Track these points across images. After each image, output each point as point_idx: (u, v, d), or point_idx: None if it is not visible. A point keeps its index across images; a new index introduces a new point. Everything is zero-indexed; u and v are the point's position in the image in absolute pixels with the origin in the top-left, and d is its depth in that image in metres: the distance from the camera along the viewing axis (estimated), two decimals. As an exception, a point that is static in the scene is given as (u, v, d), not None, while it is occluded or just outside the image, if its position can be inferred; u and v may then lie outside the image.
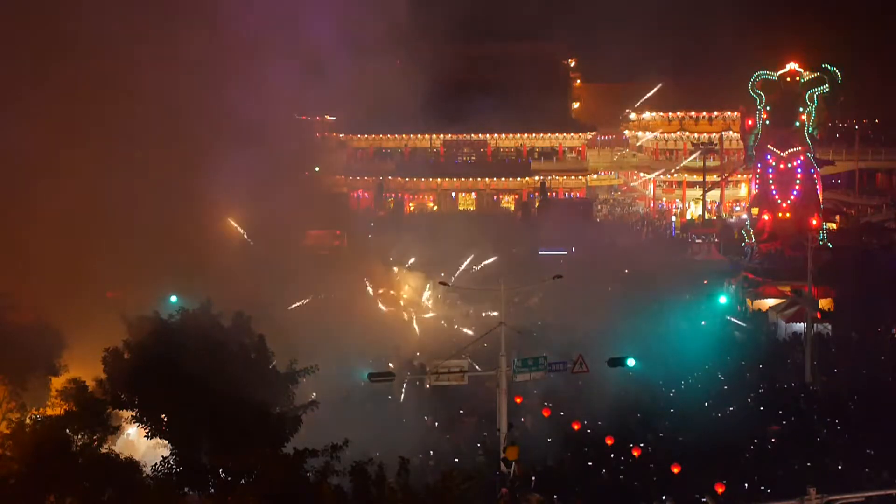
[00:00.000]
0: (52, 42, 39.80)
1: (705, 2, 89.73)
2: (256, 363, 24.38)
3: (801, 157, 64.18)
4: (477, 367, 29.58)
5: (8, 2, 40.17)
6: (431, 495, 19.33)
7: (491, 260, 49.52)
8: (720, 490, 27.81)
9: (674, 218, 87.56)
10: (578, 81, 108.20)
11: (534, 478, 28.59)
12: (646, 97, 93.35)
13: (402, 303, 55.16)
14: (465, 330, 48.14)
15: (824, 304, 47.94)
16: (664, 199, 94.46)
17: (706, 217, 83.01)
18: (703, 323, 48.93)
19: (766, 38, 76.34)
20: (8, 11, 39.00)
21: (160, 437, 23.53)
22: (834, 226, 73.54)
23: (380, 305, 53.07)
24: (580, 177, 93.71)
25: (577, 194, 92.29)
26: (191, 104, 42.89)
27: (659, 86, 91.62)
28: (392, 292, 56.26)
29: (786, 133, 64.31)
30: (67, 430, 22.66)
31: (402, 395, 37.02)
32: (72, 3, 40.12)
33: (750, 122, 66.66)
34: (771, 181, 64.38)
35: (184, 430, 22.88)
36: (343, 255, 60.66)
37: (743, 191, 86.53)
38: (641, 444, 31.93)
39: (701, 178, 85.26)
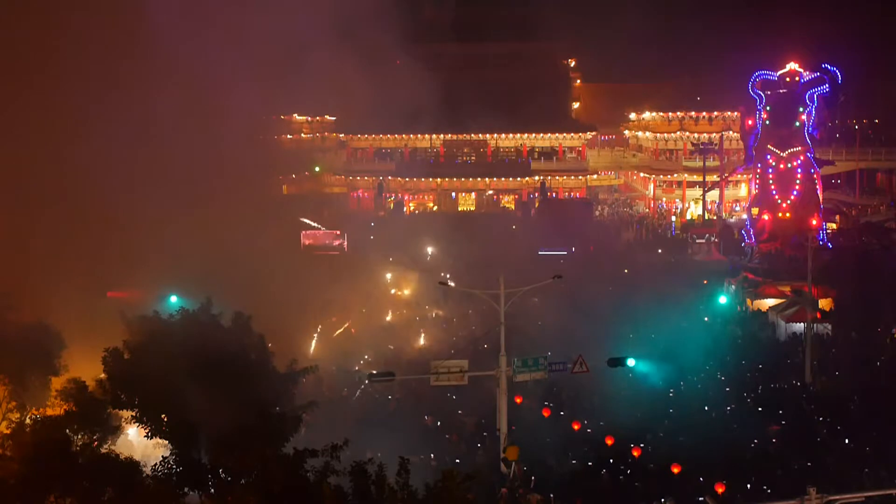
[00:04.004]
0: (43, 41, 39.76)
1: (705, 2, 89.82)
2: (256, 363, 24.38)
3: (801, 157, 64.20)
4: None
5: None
6: (431, 495, 19.31)
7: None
8: (720, 490, 27.79)
9: (674, 218, 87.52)
10: (578, 81, 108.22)
11: (533, 478, 28.58)
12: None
13: (401, 303, 55.17)
14: (464, 330, 48.13)
15: (824, 304, 47.83)
16: (664, 199, 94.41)
17: (706, 217, 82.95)
18: (705, 319, 49.00)
19: (766, 38, 76.29)
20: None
21: (160, 437, 23.52)
22: (834, 226, 73.48)
23: (379, 306, 53.07)
24: (580, 177, 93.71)
25: (577, 194, 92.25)
26: (189, 105, 42.84)
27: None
28: (392, 292, 56.33)
29: (786, 133, 64.30)
30: (67, 430, 22.66)
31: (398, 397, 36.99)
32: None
33: (750, 122, 66.70)
34: (771, 181, 64.40)
35: (184, 430, 22.87)
36: (343, 256, 60.63)
37: (743, 191, 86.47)
38: (641, 444, 31.91)
39: (701, 178, 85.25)
